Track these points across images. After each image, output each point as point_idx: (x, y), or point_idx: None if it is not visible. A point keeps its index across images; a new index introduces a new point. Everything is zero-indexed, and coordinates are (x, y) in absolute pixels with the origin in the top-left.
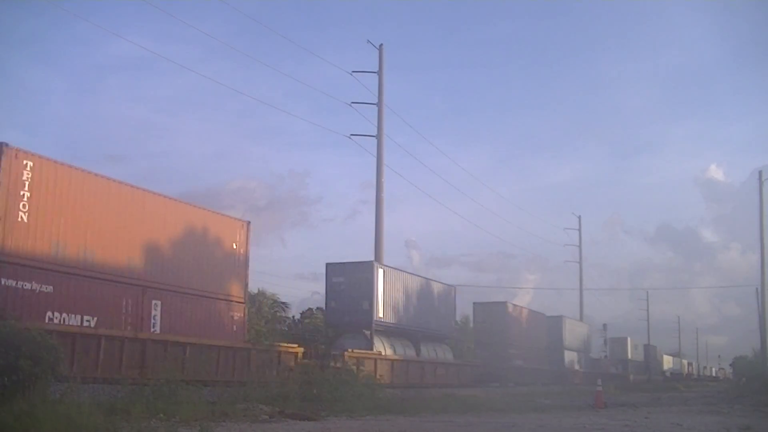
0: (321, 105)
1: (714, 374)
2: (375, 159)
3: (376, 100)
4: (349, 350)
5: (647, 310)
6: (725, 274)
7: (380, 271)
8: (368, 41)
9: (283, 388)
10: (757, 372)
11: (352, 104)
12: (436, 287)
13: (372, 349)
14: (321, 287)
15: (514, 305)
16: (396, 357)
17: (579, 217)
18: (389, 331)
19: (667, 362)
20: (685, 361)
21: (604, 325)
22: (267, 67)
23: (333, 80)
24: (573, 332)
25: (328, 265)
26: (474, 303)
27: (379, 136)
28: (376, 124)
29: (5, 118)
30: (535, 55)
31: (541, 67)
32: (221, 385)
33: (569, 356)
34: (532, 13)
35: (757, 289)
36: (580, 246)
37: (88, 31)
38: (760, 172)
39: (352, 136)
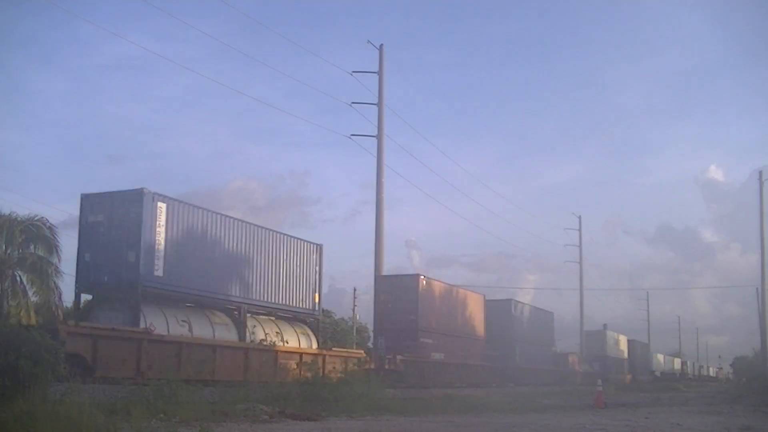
0: (321, 105)
1: (712, 374)
2: (375, 159)
3: (376, 100)
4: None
5: (647, 310)
6: (725, 275)
7: (160, 206)
8: (368, 41)
9: (283, 388)
10: (758, 372)
11: (353, 104)
12: (284, 242)
13: (138, 326)
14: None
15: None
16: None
17: (579, 218)
18: (175, 299)
19: (658, 361)
20: (678, 360)
21: (604, 325)
22: (267, 67)
23: (333, 80)
24: (526, 318)
25: (83, 197)
26: None
27: (379, 136)
28: (376, 124)
29: (5, 118)
30: (535, 55)
31: (541, 67)
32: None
33: (522, 348)
34: (532, 13)
35: (757, 289)
36: (580, 246)
37: (88, 31)
38: (760, 172)
39: (352, 136)
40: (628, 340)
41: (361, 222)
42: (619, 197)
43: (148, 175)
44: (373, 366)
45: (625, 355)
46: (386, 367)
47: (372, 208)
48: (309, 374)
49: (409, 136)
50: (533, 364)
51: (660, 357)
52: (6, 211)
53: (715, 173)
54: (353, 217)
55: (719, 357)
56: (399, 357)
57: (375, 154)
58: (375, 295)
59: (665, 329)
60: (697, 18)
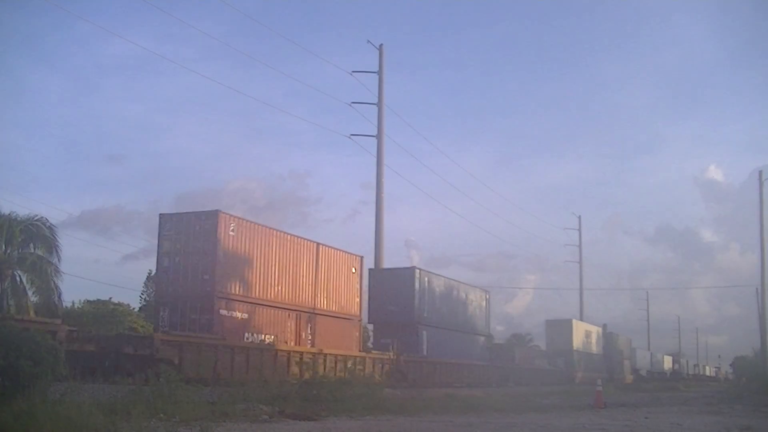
0: (321, 105)
1: (709, 373)
2: (375, 159)
3: (376, 100)
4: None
5: (647, 310)
6: (725, 274)
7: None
8: (368, 41)
9: (283, 388)
10: (757, 372)
11: (352, 104)
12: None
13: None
14: None
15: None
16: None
17: (579, 217)
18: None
19: (643, 358)
20: (669, 358)
21: (604, 325)
22: (267, 67)
23: (333, 80)
24: (439, 295)
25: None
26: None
27: (379, 136)
28: (376, 124)
29: (5, 118)
30: (535, 55)
31: (541, 67)
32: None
33: (429, 333)
34: (532, 14)
35: (757, 289)
36: (580, 246)
37: (88, 31)
38: (760, 172)
39: (352, 136)
40: (606, 333)
41: (360, 222)
42: (619, 197)
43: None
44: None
45: (600, 350)
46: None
47: (372, 208)
48: (308, 374)
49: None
50: (449, 356)
51: (645, 354)
52: (6, 211)
53: (715, 173)
54: (353, 218)
55: (719, 357)
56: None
57: (375, 153)
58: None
59: (665, 329)
60: (697, 18)
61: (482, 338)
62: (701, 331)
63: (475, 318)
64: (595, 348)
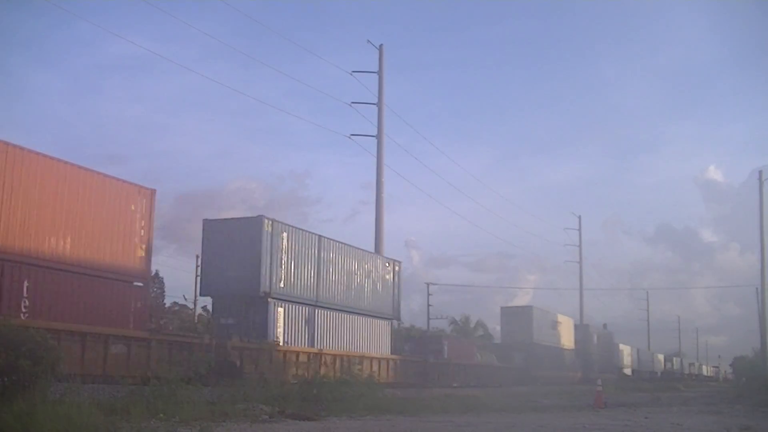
0: (321, 105)
1: (706, 373)
2: (375, 159)
3: (376, 100)
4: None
5: (647, 310)
6: (725, 274)
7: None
8: (368, 41)
9: (283, 388)
10: (758, 372)
11: (352, 104)
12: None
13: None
14: None
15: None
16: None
17: (579, 217)
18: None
19: (627, 356)
20: (661, 356)
21: (604, 325)
22: (267, 67)
23: (333, 80)
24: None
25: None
26: None
27: (379, 136)
28: (376, 124)
29: (5, 118)
30: (535, 55)
31: (541, 67)
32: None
33: (290, 311)
34: (532, 13)
35: (757, 289)
36: (580, 246)
37: (88, 31)
38: (760, 172)
39: (352, 136)
40: (577, 325)
41: (360, 222)
42: (619, 197)
43: (147, 174)
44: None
45: (571, 344)
46: None
47: (371, 208)
48: (306, 374)
49: (409, 136)
50: (333, 346)
51: (628, 350)
52: None
53: (715, 173)
54: (353, 218)
55: (719, 357)
56: None
57: (375, 153)
58: None
59: (665, 329)
60: (697, 18)
61: (385, 323)
62: (701, 331)
63: (375, 296)
64: (565, 342)
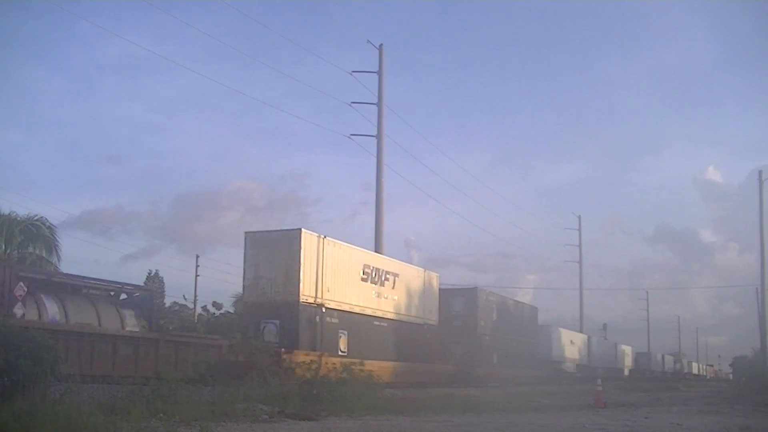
0: (321, 105)
1: (704, 372)
2: (375, 159)
3: (376, 100)
4: None
5: (647, 310)
6: (724, 274)
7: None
8: (368, 41)
9: (283, 388)
10: (757, 372)
11: (352, 104)
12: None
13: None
14: None
15: None
16: None
17: (579, 217)
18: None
19: (627, 355)
20: (659, 355)
21: (604, 325)
22: (267, 67)
23: (333, 80)
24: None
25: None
26: None
27: (379, 136)
28: (376, 124)
29: (5, 118)
30: (535, 55)
31: (541, 67)
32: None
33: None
34: (532, 14)
35: (756, 289)
36: (579, 246)
37: (88, 31)
38: (760, 172)
39: (352, 136)
40: (542, 327)
41: (360, 222)
42: (619, 197)
43: (147, 175)
44: None
45: (533, 337)
46: None
47: (371, 208)
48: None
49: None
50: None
51: (629, 350)
52: (6, 211)
53: (714, 173)
54: (353, 218)
55: (719, 357)
56: None
57: (375, 154)
58: None
59: (665, 329)
60: (697, 17)
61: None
62: (701, 331)
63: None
64: (518, 332)
